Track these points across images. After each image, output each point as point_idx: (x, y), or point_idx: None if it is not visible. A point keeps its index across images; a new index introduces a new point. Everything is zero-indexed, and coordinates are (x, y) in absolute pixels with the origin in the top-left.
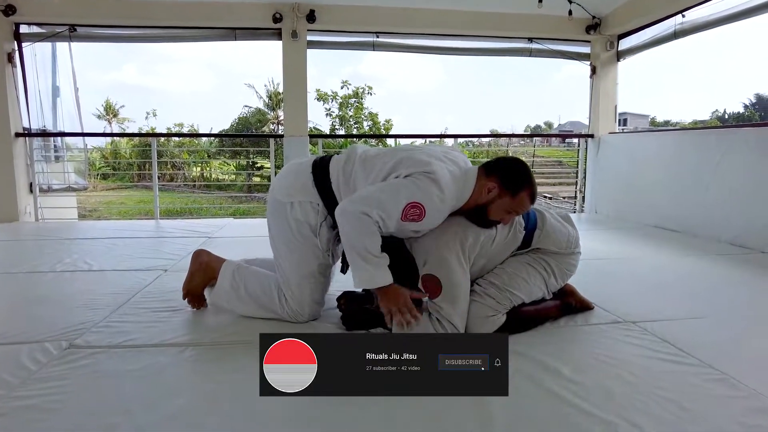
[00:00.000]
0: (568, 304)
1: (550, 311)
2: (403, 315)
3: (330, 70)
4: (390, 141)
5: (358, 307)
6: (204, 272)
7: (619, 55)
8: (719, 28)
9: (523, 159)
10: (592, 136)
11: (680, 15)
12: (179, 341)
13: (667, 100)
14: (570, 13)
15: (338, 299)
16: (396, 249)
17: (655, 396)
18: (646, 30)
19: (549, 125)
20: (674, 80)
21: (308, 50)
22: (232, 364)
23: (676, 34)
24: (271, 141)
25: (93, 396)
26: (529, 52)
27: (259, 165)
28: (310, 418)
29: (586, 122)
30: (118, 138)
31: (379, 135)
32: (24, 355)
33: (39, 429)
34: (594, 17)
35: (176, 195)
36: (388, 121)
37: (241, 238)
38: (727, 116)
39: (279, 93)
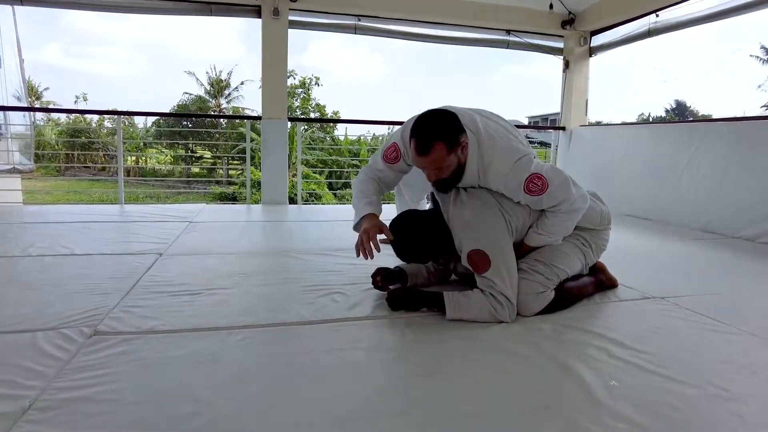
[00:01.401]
0: (601, 280)
1: (588, 288)
2: (360, 243)
3: None
4: (367, 126)
5: (403, 288)
6: None
7: (592, 51)
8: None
9: None
10: (564, 128)
11: (654, 14)
12: (219, 324)
13: (601, 102)
14: (551, 6)
15: (374, 276)
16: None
17: (722, 361)
18: (621, 27)
19: None
20: (608, 83)
21: (286, 34)
22: (288, 346)
23: (650, 33)
24: (248, 123)
25: (149, 384)
26: (507, 44)
27: (198, 155)
28: (396, 392)
29: (525, 121)
30: (43, 122)
31: (360, 120)
32: (43, 342)
33: (107, 423)
34: (570, 13)
35: (110, 185)
36: (336, 113)
37: (227, 222)
38: (651, 119)
39: (222, 80)
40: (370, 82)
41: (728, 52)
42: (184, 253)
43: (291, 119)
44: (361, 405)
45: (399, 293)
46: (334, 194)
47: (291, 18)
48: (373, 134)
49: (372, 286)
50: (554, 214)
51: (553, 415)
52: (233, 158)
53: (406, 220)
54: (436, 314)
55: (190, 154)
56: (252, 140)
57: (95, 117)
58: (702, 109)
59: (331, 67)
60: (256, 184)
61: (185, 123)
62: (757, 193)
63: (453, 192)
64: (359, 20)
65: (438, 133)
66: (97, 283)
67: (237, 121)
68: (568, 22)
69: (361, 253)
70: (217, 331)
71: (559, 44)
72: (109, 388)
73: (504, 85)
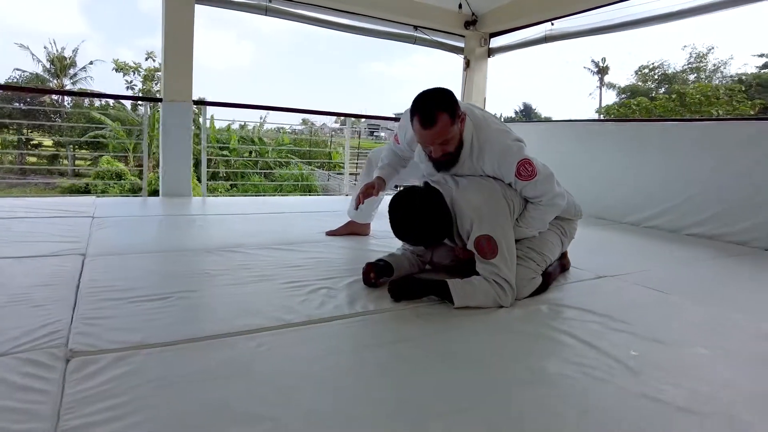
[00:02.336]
0: (563, 264)
1: (557, 271)
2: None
3: (122, 39)
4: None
5: (405, 278)
6: None
7: (491, 52)
8: None
9: (339, 149)
10: None
11: (550, 23)
12: (220, 332)
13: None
14: (460, 6)
15: (366, 272)
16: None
17: (705, 324)
18: (520, 32)
19: (358, 119)
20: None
21: (193, 6)
22: (315, 347)
23: (546, 39)
24: (146, 106)
25: (189, 408)
26: (414, 40)
27: (36, 142)
28: (461, 385)
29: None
30: None
31: (280, 108)
32: (8, 374)
33: None
34: (473, 14)
35: None
36: (201, 99)
37: (139, 217)
38: (503, 119)
39: (65, 58)
40: (239, 69)
41: (564, 62)
42: (111, 252)
43: (198, 103)
44: (436, 398)
45: (401, 284)
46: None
47: None
48: (244, 123)
49: (363, 282)
50: (535, 207)
51: (605, 384)
52: (81, 146)
53: (404, 198)
54: (437, 303)
55: (21, 138)
56: (104, 126)
57: None
58: (544, 112)
59: (195, 52)
60: (114, 176)
61: (17, 104)
62: (636, 186)
63: (451, 179)
64: (270, 2)
65: (440, 104)
66: (24, 293)
67: (87, 104)
68: (471, 22)
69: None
70: (224, 339)
71: (461, 44)
72: (140, 420)
73: (371, 80)
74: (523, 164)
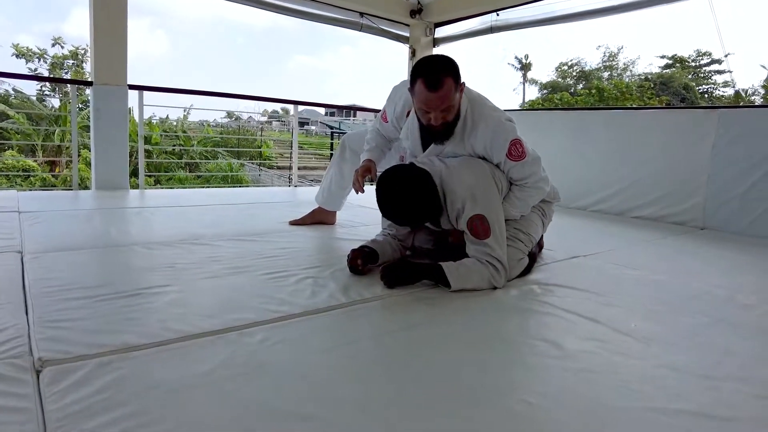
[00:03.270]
0: (541, 245)
1: (538, 253)
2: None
3: (23, 25)
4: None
5: (398, 263)
6: None
7: (436, 42)
8: None
9: (269, 144)
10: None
11: (495, 13)
12: (212, 328)
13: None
14: None
15: (353, 259)
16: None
17: (679, 293)
18: (466, 22)
19: (286, 111)
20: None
21: None
22: (325, 339)
23: (492, 29)
24: (71, 89)
25: (207, 415)
26: (360, 27)
27: None
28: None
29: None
30: None
31: (223, 93)
32: None
33: None
34: (419, 2)
35: None
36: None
37: (74, 211)
38: None
39: None
40: (154, 59)
41: (497, 57)
42: (55, 248)
43: (134, 87)
44: (473, 379)
45: (395, 269)
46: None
47: None
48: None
49: (350, 269)
50: (520, 189)
51: (626, 357)
52: None
53: (394, 177)
54: (431, 287)
55: None
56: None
57: None
58: None
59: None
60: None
61: None
62: (584, 172)
63: (438, 160)
64: None
65: (446, 68)
66: None
67: None
68: (417, 11)
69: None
70: (221, 336)
71: (406, 33)
72: (167, 428)
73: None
74: (515, 144)
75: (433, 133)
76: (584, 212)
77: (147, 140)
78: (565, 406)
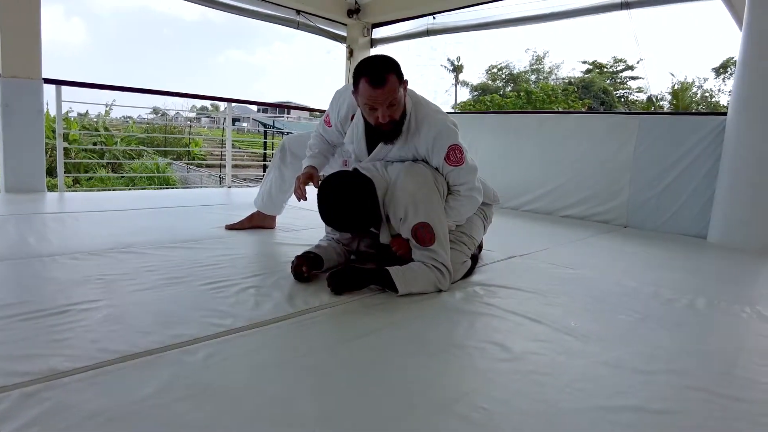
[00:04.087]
0: (481, 246)
1: (478, 254)
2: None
3: None
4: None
5: (345, 269)
6: None
7: (373, 43)
8: None
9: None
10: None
11: (432, 17)
12: (150, 347)
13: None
14: None
15: (297, 267)
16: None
17: (611, 291)
18: (404, 23)
19: (216, 107)
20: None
21: None
22: (276, 351)
23: (429, 32)
24: None
25: None
26: (297, 24)
27: None
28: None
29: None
30: None
31: (152, 90)
32: None
33: None
34: (356, 2)
35: None
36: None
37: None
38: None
39: None
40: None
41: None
42: None
43: (50, 81)
44: (437, 384)
45: (341, 276)
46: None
47: None
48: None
49: (294, 276)
50: (454, 197)
51: (571, 356)
52: None
53: (336, 183)
54: (379, 292)
55: None
56: None
57: None
58: None
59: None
60: None
61: None
62: (515, 173)
63: (381, 165)
64: None
65: (387, 66)
66: None
67: None
68: (354, 11)
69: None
70: (158, 356)
71: (344, 32)
72: None
73: (229, 68)
74: (454, 149)
75: (382, 133)
76: (517, 212)
77: (65, 138)
78: (520, 410)
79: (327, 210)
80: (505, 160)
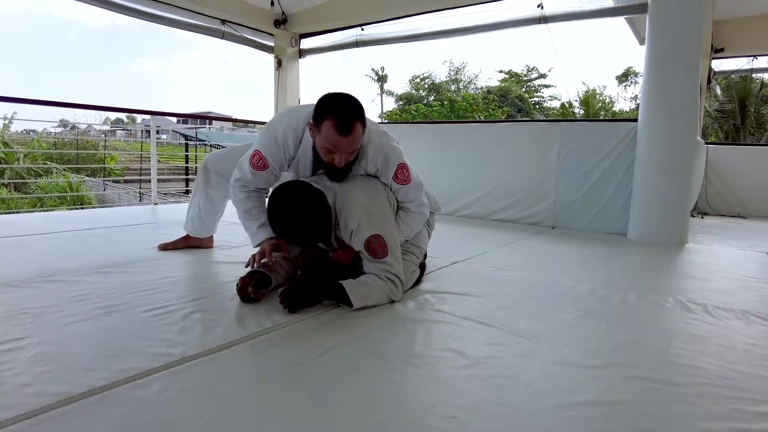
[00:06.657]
0: (425, 254)
1: (425, 262)
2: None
3: None
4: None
5: (298, 286)
6: None
7: (301, 53)
8: None
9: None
10: None
11: (360, 28)
12: (96, 384)
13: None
14: (272, 3)
15: (243, 287)
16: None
17: (551, 290)
18: (333, 34)
19: (132, 119)
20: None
21: None
22: (242, 374)
23: (358, 43)
24: None
25: None
26: (222, 35)
27: None
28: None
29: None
30: None
31: (60, 103)
32: None
33: None
34: (283, 13)
35: None
36: None
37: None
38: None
39: None
40: None
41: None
42: None
43: None
44: (406, 397)
45: (294, 293)
46: None
47: None
48: None
49: (240, 298)
50: (405, 213)
51: (526, 358)
52: None
53: (288, 195)
54: (334, 307)
55: None
56: None
57: None
58: None
59: None
60: None
61: None
62: (449, 180)
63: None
64: None
65: (356, 113)
66: None
67: None
68: (282, 21)
69: (252, 264)
70: (105, 394)
71: (271, 42)
72: None
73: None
74: (401, 168)
75: (333, 173)
76: (452, 217)
77: None
78: (488, 416)
79: (277, 221)
80: (438, 168)
